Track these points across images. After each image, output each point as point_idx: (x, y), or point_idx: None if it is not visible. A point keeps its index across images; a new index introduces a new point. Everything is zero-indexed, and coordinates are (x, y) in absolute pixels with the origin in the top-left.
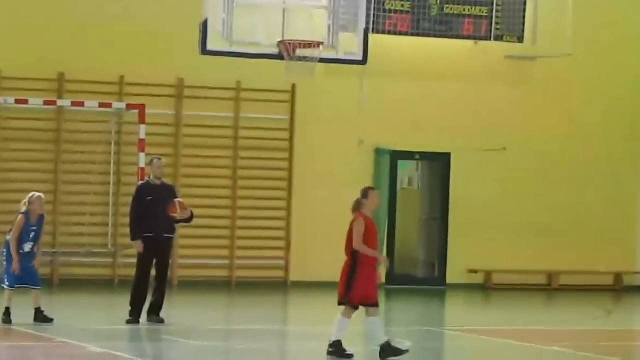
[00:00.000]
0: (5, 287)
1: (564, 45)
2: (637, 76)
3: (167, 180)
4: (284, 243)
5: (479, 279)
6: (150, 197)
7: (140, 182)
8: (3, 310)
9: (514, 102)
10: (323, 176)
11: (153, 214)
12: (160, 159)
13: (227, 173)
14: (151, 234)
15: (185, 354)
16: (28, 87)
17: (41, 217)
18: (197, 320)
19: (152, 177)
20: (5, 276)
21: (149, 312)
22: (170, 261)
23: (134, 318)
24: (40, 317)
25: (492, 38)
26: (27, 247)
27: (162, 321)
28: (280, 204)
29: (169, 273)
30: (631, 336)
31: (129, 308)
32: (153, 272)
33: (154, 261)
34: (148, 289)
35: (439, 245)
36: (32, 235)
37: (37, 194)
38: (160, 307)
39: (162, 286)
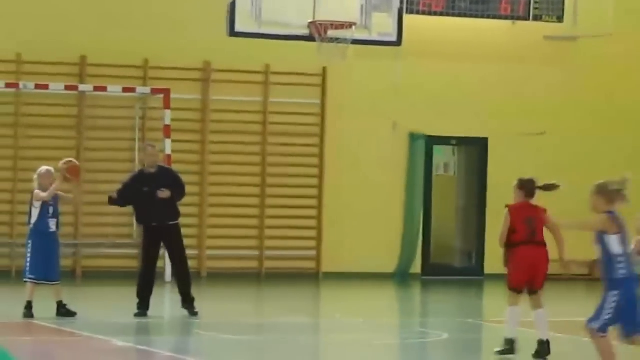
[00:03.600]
0: (28, 280)
1: (605, 24)
2: None
3: (163, 164)
4: (315, 233)
5: None
6: (147, 188)
7: (135, 172)
8: (25, 304)
9: (553, 84)
10: (355, 162)
11: (151, 203)
12: (154, 146)
13: (256, 160)
14: (155, 224)
15: (213, 348)
16: (49, 72)
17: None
18: (226, 313)
19: (146, 165)
20: (28, 268)
21: (183, 303)
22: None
23: (142, 311)
24: (63, 311)
25: (531, 18)
26: (52, 224)
27: (195, 314)
28: (311, 192)
29: (188, 261)
30: None
31: (137, 300)
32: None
33: (168, 251)
34: (154, 280)
35: (476, 234)
36: (51, 211)
37: (46, 168)
38: (190, 297)
39: (184, 275)
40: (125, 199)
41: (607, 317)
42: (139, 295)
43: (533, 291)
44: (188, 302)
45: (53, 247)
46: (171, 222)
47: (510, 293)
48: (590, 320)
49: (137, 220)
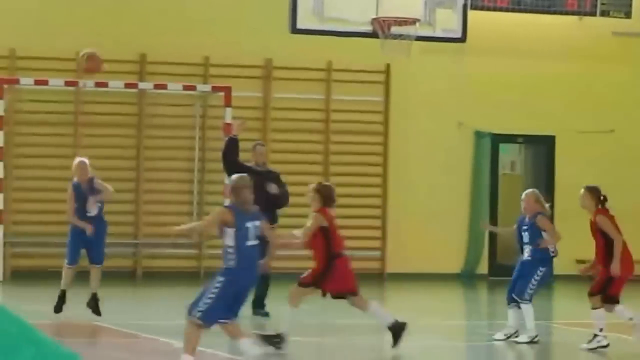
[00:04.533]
0: (66, 266)
1: None
2: None
3: (272, 167)
4: (379, 233)
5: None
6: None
7: (245, 164)
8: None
9: (622, 82)
10: (420, 161)
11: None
12: (263, 144)
13: (319, 159)
14: None
15: (277, 350)
16: (108, 70)
17: (91, 180)
18: (292, 314)
19: (254, 163)
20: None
21: (254, 305)
22: None
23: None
24: (92, 304)
25: (598, 13)
26: (92, 209)
27: (267, 314)
28: (375, 191)
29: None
30: None
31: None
32: None
33: None
34: None
35: None
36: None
37: (78, 159)
38: (264, 299)
39: (266, 276)
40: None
41: (206, 302)
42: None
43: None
44: (261, 303)
45: (95, 228)
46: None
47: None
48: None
49: None
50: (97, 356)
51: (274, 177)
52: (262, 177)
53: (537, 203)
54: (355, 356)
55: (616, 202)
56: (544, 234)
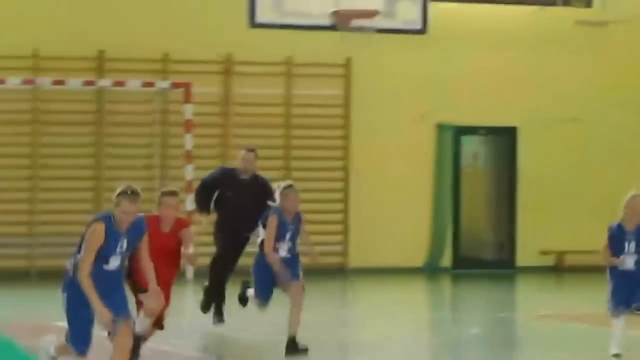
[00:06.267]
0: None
1: (637, 9)
2: None
3: (262, 175)
4: (342, 227)
5: (550, 260)
6: (232, 193)
7: (226, 168)
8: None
9: (585, 71)
10: (382, 155)
11: (234, 213)
12: (252, 150)
13: (280, 154)
14: (232, 238)
15: (243, 348)
16: (66, 67)
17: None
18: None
19: (242, 169)
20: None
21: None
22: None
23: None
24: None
25: (560, 3)
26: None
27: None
28: (337, 185)
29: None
30: None
31: (211, 310)
32: None
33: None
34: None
35: (507, 226)
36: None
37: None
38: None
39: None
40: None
41: None
42: (209, 306)
43: None
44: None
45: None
46: (247, 235)
47: None
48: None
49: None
50: None
51: (263, 188)
52: (250, 188)
53: None
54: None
55: (581, 191)
56: None
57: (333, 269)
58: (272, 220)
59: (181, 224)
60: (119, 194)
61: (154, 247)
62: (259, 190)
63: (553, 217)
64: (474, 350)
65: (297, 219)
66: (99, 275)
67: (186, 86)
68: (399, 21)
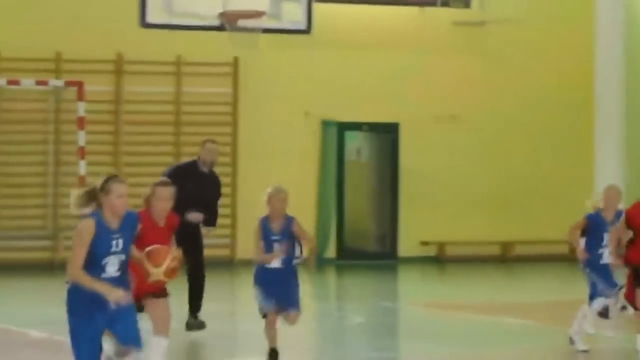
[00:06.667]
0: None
1: (514, 9)
2: (590, 41)
3: (216, 171)
4: (229, 220)
5: (431, 251)
6: (193, 185)
7: (187, 161)
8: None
9: (463, 70)
10: (269, 150)
11: (194, 205)
12: (214, 141)
13: (170, 150)
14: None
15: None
16: None
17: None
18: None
19: (201, 161)
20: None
21: (193, 314)
22: None
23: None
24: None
25: (439, 4)
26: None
27: (203, 326)
28: (225, 180)
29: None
30: None
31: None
32: None
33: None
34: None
35: (389, 218)
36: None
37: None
38: (199, 305)
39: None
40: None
41: None
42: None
43: None
44: (195, 311)
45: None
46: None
47: None
48: None
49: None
50: None
51: (214, 185)
52: (206, 181)
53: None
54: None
55: (461, 184)
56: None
57: (221, 261)
58: (256, 227)
59: (174, 218)
60: (106, 181)
61: (149, 245)
62: (215, 183)
63: (433, 209)
64: (359, 338)
65: (288, 225)
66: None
67: (79, 85)
68: (284, 21)
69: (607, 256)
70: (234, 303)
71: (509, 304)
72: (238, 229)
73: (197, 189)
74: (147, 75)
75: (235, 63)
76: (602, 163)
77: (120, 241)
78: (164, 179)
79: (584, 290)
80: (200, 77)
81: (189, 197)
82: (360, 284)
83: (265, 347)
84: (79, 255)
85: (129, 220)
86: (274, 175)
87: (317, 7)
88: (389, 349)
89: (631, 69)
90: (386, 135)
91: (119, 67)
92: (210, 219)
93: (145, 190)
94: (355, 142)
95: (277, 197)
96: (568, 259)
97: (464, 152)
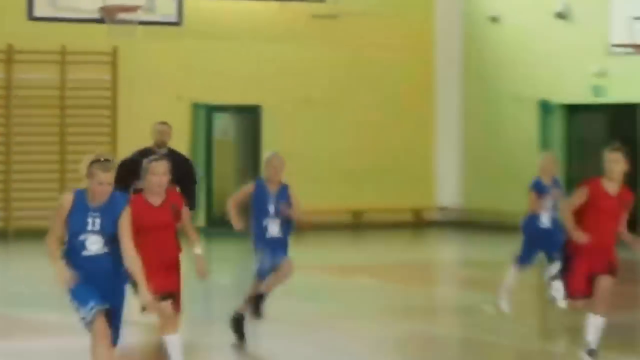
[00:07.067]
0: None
1: (365, 3)
2: (430, 30)
3: (180, 152)
4: None
5: None
6: None
7: (140, 148)
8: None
9: (320, 57)
10: (144, 131)
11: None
12: (164, 123)
13: (56, 130)
14: None
15: None
16: None
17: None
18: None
19: (153, 144)
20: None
21: None
22: None
23: None
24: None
25: None
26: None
27: None
28: None
29: None
30: (432, 265)
31: None
32: None
33: None
34: None
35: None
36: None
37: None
38: None
39: None
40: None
41: None
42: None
43: None
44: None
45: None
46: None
47: None
48: None
49: None
50: None
51: (176, 162)
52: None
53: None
54: None
55: (314, 161)
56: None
57: None
58: (247, 186)
59: (174, 195)
60: (91, 164)
61: (148, 227)
62: (176, 164)
63: (291, 182)
64: (223, 297)
65: (284, 192)
66: (79, 266)
67: None
68: (158, 15)
69: (545, 220)
70: None
71: (360, 266)
72: None
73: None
74: (34, 63)
75: (114, 52)
76: (441, 141)
77: (98, 220)
78: (157, 155)
79: (427, 252)
80: (82, 65)
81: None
82: (225, 250)
83: None
84: (52, 227)
85: (113, 202)
86: None
87: (187, 2)
88: None
89: (467, 53)
90: (250, 117)
91: (9, 57)
92: (189, 203)
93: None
94: (222, 123)
95: (270, 163)
96: (411, 225)
97: (320, 131)
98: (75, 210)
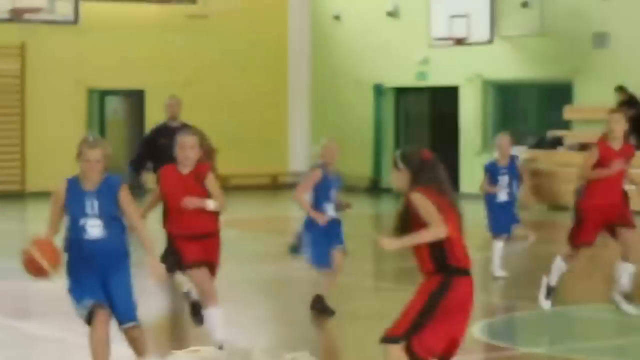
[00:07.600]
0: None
1: (228, 3)
2: (284, 21)
3: (187, 122)
4: (19, 170)
5: None
6: (165, 141)
7: (156, 125)
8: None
9: (195, 50)
10: (50, 112)
11: (168, 157)
12: (173, 96)
13: None
14: None
15: None
16: None
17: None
18: None
19: (168, 118)
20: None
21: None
22: None
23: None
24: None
25: (174, 2)
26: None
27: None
28: (15, 134)
29: None
30: (287, 219)
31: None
32: None
33: None
34: None
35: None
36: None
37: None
38: None
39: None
40: (142, 159)
41: None
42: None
43: None
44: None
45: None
46: None
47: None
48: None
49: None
50: None
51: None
52: (172, 133)
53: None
54: None
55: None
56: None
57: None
58: (315, 173)
59: (203, 167)
60: (79, 144)
61: (178, 196)
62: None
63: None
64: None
65: (337, 175)
66: (80, 251)
67: None
68: (58, 15)
69: (503, 196)
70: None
71: (228, 221)
72: (27, 171)
73: (170, 143)
74: None
75: (22, 46)
76: (293, 119)
77: (96, 203)
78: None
79: (282, 209)
80: None
81: (162, 152)
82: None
83: None
84: (50, 215)
85: (108, 184)
86: (52, 129)
87: (84, 5)
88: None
89: (315, 46)
90: (135, 99)
91: None
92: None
93: None
94: (113, 105)
95: (328, 148)
96: (270, 187)
97: (195, 110)
98: (71, 197)
